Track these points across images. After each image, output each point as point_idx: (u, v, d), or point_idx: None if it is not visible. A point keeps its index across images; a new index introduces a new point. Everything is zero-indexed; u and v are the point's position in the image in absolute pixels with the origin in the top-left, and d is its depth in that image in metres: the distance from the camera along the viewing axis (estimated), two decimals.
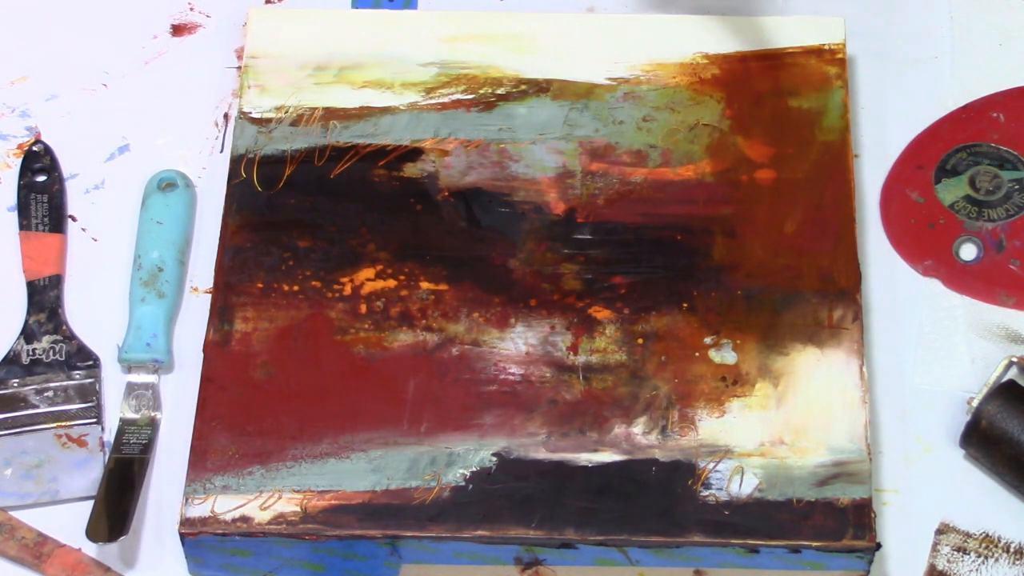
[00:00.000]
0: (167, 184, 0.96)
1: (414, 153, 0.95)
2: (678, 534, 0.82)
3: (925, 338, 0.93)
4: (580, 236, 0.92)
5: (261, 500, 0.83)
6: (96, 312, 0.94)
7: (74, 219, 0.97)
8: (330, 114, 0.96)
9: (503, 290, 0.90)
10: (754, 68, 0.96)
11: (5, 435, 0.89)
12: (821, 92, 0.96)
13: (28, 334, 0.92)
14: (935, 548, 0.86)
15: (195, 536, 0.83)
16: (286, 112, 0.95)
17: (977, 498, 0.88)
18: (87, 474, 0.88)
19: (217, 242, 0.92)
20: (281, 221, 0.92)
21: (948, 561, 0.86)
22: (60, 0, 1.03)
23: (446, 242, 0.92)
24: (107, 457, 0.88)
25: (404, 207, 0.93)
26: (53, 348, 0.91)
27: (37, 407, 0.89)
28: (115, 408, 0.91)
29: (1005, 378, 0.89)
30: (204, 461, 0.84)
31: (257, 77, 0.96)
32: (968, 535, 0.87)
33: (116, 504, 0.85)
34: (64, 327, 0.92)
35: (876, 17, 1.02)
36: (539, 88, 0.96)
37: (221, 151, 0.99)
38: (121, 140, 0.99)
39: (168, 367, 0.92)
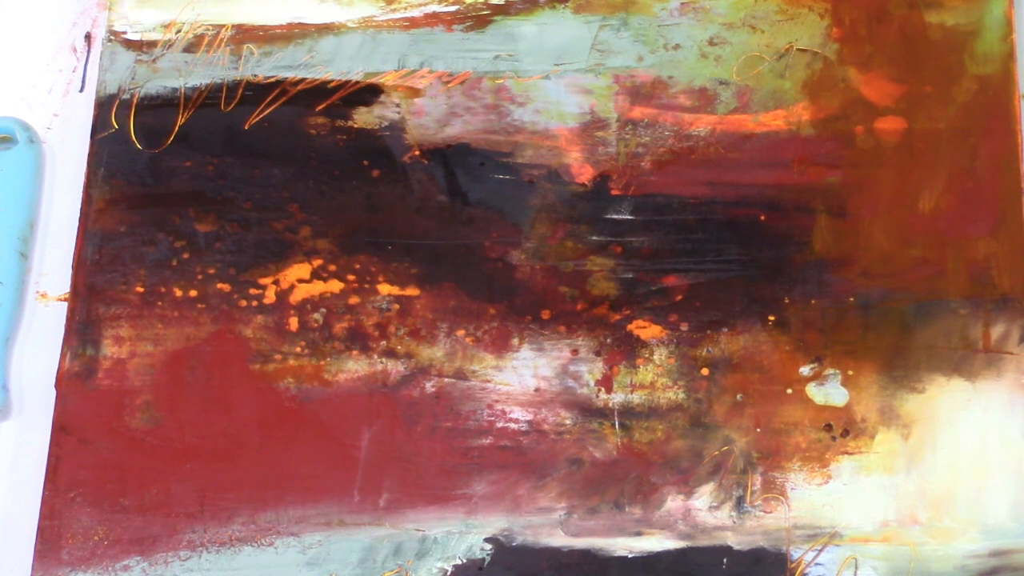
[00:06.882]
0: (0, 139, 0.89)
1: (369, 93, 0.87)
2: None
3: None
4: (616, 216, 0.85)
5: None
6: None
7: None
8: (244, 34, 0.88)
9: (501, 296, 0.83)
10: None
11: None
12: (973, 1, 0.89)
13: None
14: None
15: None
16: (178, 31, 0.88)
17: None
18: None
19: (76, 225, 0.85)
20: (171, 194, 0.85)
21: None
22: None
23: (417, 225, 0.84)
24: None
25: (354, 173, 0.85)
26: None
27: None
28: None
29: None
30: (57, 550, 0.78)
31: None
32: None
33: None
34: None
35: None
36: None
37: (81, 89, 0.90)
38: None
39: (4, 411, 0.84)
